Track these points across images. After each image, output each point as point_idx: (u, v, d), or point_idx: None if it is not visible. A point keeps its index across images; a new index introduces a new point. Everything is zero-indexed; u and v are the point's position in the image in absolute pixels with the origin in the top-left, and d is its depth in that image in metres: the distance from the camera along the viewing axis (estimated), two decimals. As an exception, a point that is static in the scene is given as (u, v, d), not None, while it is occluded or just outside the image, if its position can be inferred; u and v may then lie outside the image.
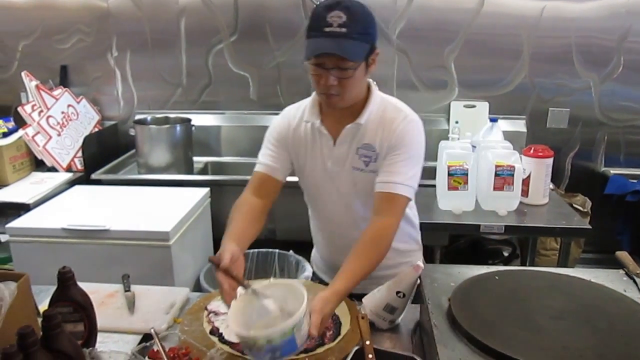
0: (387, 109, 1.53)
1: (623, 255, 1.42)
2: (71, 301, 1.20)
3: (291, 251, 2.62)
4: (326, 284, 1.64)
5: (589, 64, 3.09)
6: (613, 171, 3.19)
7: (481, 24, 3.06)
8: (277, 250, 2.66)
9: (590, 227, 2.20)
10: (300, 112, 1.61)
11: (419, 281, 1.33)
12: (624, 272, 1.36)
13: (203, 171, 3.24)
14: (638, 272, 1.34)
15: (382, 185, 1.48)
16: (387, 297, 1.35)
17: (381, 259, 1.43)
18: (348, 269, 1.35)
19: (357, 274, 1.35)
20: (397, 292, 1.34)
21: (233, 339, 1.28)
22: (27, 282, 1.17)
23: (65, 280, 1.19)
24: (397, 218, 1.49)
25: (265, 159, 1.60)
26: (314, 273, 1.90)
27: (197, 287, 2.40)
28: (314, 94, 1.57)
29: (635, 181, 3.07)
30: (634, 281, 1.31)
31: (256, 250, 2.64)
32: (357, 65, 1.39)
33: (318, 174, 1.59)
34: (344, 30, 1.33)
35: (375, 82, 1.62)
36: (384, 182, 1.48)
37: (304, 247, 2.07)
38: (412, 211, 1.71)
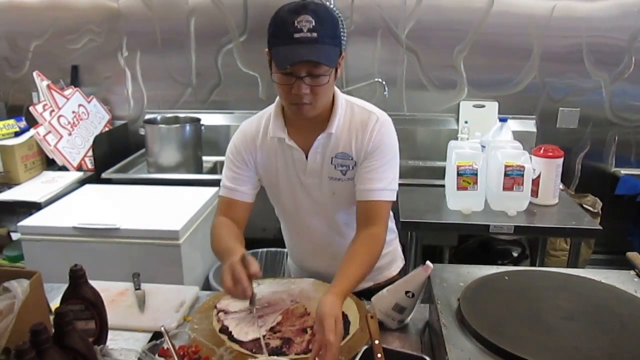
0: (354, 111, 1.48)
1: (634, 256, 1.41)
2: (82, 299, 1.21)
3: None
4: None
5: (599, 64, 3.07)
6: (624, 172, 3.17)
7: (491, 24, 3.05)
8: (285, 250, 2.65)
9: (600, 227, 2.19)
10: (262, 126, 1.52)
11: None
12: (634, 273, 1.35)
13: (212, 170, 3.25)
14: (649, 273, 1.33)
15: (364, 194, 1.45)
16: (396, 296, 1.35)
17: (373, 265, 1.42)
18: (348, 271, 1.34)
19: (356, 275, 1.34)
20: (407, 292, 1.33)
21: (242, 337, 1.29)
22: (40, 279, 1.19)
23: (77, 278, 1.20)
24: (384, 225, 1.48)
25: (228, 182, 1.54)
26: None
27: (207, 286, 2.41)
28: (272, 106, 1.52)
29: (646, 182, 3.05)
30: (645, 282, 1.30)
31: (265, 249, 2.65)
32: (331, 71, 1.33)
33: (294, 188, 1.53)
34: (314, 35, 1.26)
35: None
36: (366, 190, 1.45)
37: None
38: None
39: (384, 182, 1.45)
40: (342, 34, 1.37)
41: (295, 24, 1.26)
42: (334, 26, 1.33)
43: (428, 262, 1.32)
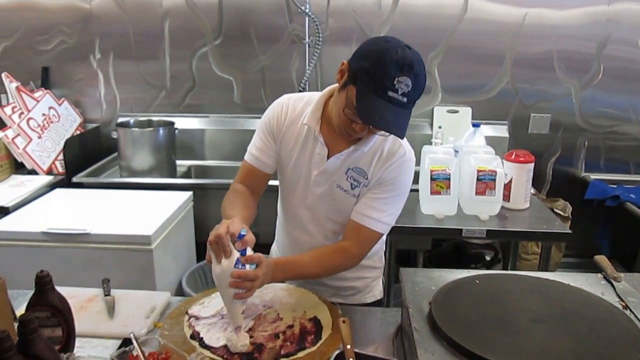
0: (388, 138, 1.47)
1: (601, 259, 1.44)
2: (49, 306, 1.18)
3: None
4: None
5: (569, 71, 3.14)
6: (593, 176, 3.24)
7: (464, 30, 3.09)
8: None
9: (570, 231, 2.23)
10: (299, 107, 1.52)
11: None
12: (602, 275, 1.38)
13: (186, 175, 3.22)
14: (615, 276, 1.36)
15: (359, 216, 1.48)
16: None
17: (328, 271, 1.51)
18: (300, 256, 1.48)
19: (304, 263, 1.46)
20: None
21: (214, 343, 1.27)
22: (3, 286, 1.16)
23: (43, 285, 1.17)
24: (362, 249, 1.50)
25: (254, 150, 1.56)
26: None
27: (180, 292, 2.39)
28: (317, 95, 1.51)
29: (615, 186, 3.12)
30: (612, 285, 1.33)
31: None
32: None
33: (299, 177, 1.54)
34: (405, 100, 1.24)
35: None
36: (361, 214, 1.47)
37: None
38: None
39: (382, 214, 1.47)
40: None
41: (395, 82, 1.23)
42: (420, 93, 1.29)
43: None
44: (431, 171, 2.22)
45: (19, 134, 2.88)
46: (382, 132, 1.33)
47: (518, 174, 2.33)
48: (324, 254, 1.49)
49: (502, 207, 2.31)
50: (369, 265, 1.67)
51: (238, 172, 1.60)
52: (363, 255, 1.51)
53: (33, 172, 2.90)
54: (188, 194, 2.56)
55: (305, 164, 1.52)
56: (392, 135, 1.42)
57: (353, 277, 1.64)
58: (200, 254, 2.70)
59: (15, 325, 1.02)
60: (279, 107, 1.55)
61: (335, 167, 1.49)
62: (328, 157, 1.49)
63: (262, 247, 2.71)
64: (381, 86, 1.24)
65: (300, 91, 3.08)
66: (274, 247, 1.84)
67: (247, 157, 1.58)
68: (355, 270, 1.57)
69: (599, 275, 1.39)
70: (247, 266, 1.26)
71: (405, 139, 1.45)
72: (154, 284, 2.13)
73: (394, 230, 2.20)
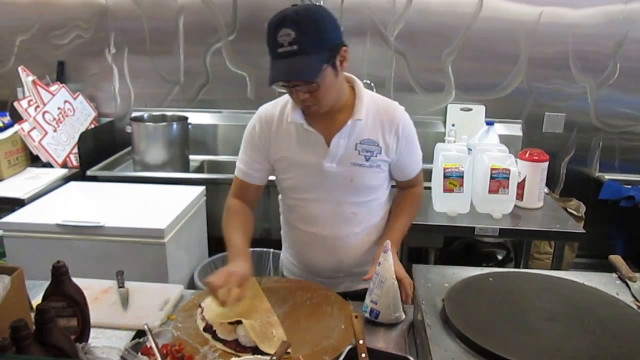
0: (376, 101, 1.55)
1: (616, 259, 1.43)
2: (65, 296, 1.20)
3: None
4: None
5: (585, 70, 3.11)
6: (608, 176, 3.21)
7: (479, 28, 3.07)
8: (271, 250, 2.66)
9: (584, 231, 2.21)
10: (277, 111, 1.56)
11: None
12: (616, 275, 1.37)
13: (199, 169, 3.23)
14: (631, 275, 1.35)
15: (407, 176, 1.67)
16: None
17: (415, 216, 1.74)
18: (395, 224, 1.64)
19: (402, 226, 1.64)
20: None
21: (226, 336, 1.28)
22: (21, 275, 1.17)
23: (60, 275, 1.19)
24: (422, 185, 1.75)
25: (242, 165, 1.62)
26: (282, 275, 1.84)
27: (191, 285, 2.40)
28: None
29: (629, 187, 3.09)
30: (627, 285, 1.32)
31: (250, 249, 2.63)
32: (320, 76, 1.35)
33: (311, 173, 1.55)
34: (295, 47, 1.29)
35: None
36: (407, 174, 1.66)
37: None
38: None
39: (417, 156, 1.67)
40: (335, 30, 1.38)
41: (277, 38, 1.30)
42: (317, 31, 1.32)
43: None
44: (444, 169, 2.21)
45: (34, 127, 2.91)
46: (294, 84, 1.37)
47: (532, 173, 2.31)
48: (409, 205, 1.71)
49: (515, 206, 2.29)
50: (376, 239, 1.67)
51: (231, 186, 1.66)
52: (422, 187, 1.77)
53: (48, 165, 2.93)
54: (201, 188, 2.57)
55: (312, 158, 1.53)
56: (376, 97, 1.58)
57: (368, 260, 1.64)
58: (212, 248, 2.71)
59: (32, 315, 1.03)
60: (258, 122, 1.59)
61: (343, 147, 1.51)
62: (328, 142, 1.51)
63: (274, 242, 2.73)
64: (272, 49, 1.33)
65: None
66: (285, 255, 1.81)
67: (236, 172, 1.64)
68: (374, 250, 1.60)
69: (614, 275, 1.38)
70: None
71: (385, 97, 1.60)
72: (166, 277, 2.14)
73: (406, 228, 2.22)
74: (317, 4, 2.98)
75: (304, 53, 1.30)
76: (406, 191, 1.72)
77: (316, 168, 1.54)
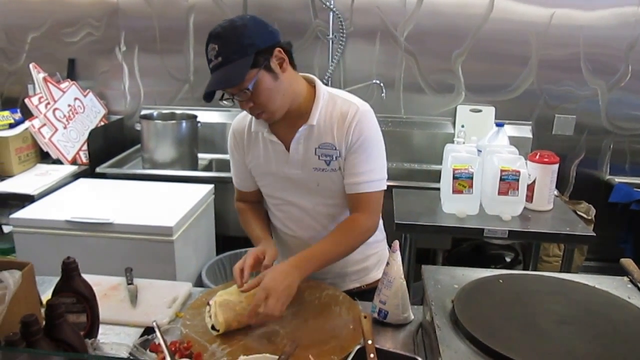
0: (336, 103, 1.49)
1: (628, 262, 1.42)
2: (74, 292, 1.20)
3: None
4: None
5: (596, 72, 3.09)
6: (618, 179, 3.18)
7: (489, 30, 3.06)
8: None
9: (594, 234, 2.19)
10: (247, 122, 1.58)
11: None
12: (628, 279, 1.36)
13: (207, 168, 3.24)
14: (642, 279, 1.33)
15: (352, 187, 1.50)
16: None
17: (347, 246, 1.48)
18: (314, 246, 1.45)
19: (322, 250, 1.44)
20: None
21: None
22: (32, 271, 1.17)
23: (70, 271, 1.19)
24: (370, 213, 1.51)
25: (234, 177, 1.69)
26: None
27: (199, 283, 2.40)
28: None
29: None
30: (638, 288, 1.31)
31: (244, 249, 2.63)
32: (247, 81, 1.34)
33: (279, 180, 1.56)
34: (220, 59, 1.33)
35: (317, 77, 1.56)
36: (353, 184, 1.49)
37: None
38: None
39: (369, 174, 1.48)
40: (261, 34, 1.36)
41: (208, 55, 1.36)
42: (238, 38, 1.32)
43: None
44: (454, 170, 2.20)
45: (45, 124, 2.93)
46: (231, 92, 1.39)
47: (542, 175, 2.30)
48: (339, 234, 1.49)
49: (525, 208, 2.28)
50: (373, 241, 1.64)
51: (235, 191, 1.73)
52: (377, 220, 1.54)
53: (58, 161, 2.94)
54: (209, 187, 2.58)
55: (276, 167, 1.55)
56: (339, 99, 1.49)
57: (362, 257, 1.64)
58: (220, 246, 2.71)
59: (42, 310, 1.04)
60: (232, 136, 1.63)
61: (302, 154, 1.50)
62: (288, 149, 1.51)
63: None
64: (208, 65, 1.37)
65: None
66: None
67: (233, 180, 1.70)
68: (362, 250, 1.56)
69: (625, 278, 1.37)
70: None
71: (353, 96, 1.52)
72: (174, 275, 2.15)
73: (414, 229, 2.22)
74: (329, 5, 3.00)
75: (228, 62, 1.33)
76: (347, 219, 1.52)
77: (282, 175, 1.55)
